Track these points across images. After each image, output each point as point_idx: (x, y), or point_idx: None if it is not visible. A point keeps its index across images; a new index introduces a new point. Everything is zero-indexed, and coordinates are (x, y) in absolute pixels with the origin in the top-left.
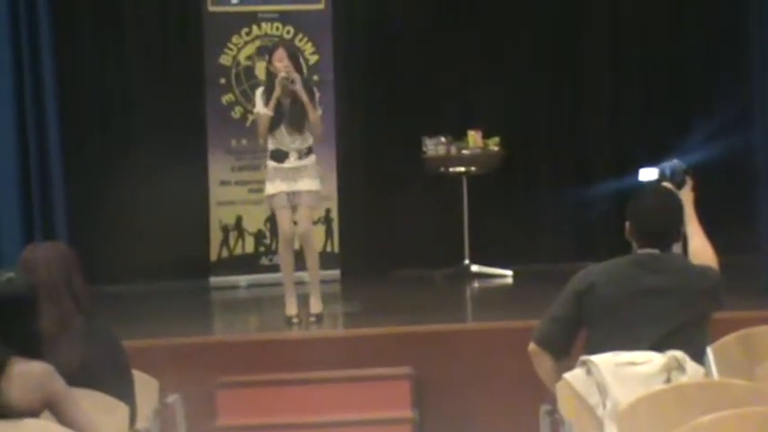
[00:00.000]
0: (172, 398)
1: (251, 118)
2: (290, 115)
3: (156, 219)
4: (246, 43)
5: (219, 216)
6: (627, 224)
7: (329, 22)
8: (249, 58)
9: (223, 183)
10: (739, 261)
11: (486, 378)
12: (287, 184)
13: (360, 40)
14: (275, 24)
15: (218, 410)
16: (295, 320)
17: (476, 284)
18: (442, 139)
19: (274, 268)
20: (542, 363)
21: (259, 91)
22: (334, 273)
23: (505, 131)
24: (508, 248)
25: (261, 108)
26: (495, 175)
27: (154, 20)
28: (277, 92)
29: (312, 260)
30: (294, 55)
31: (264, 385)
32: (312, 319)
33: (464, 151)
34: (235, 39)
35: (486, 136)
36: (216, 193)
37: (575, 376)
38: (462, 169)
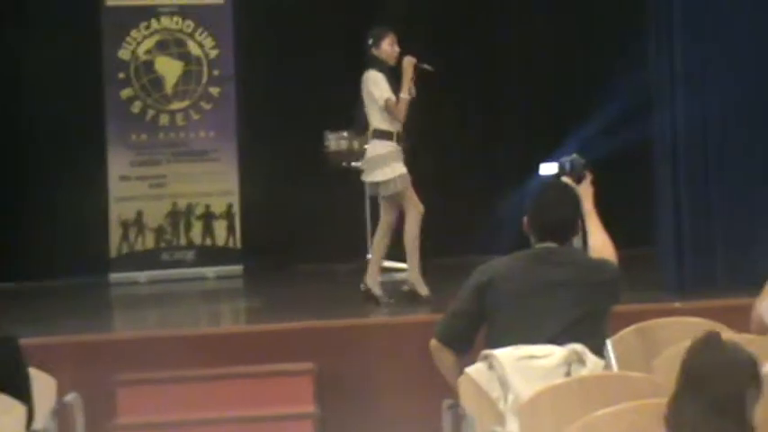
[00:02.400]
0: (70, 396)
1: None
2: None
3: (55, 215)
4: (145, 37)
5: (119, 212)
6: (525, 218)
7: (229, 16)
8: (148, 52)
9: (123, 178)
10: (639, 254)
11: (390, 373)
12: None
13: (261, 33)
14: (175, 18)
15: (118, 408)
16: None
17: (378, 279)
18: (344, 133)
19: (175, 264)
20: (444, 359)
21: (379, 76)
22: (237, 268)
23: (407, 124)
24: None
25: (390, 93)
26: None
27: (51, 14)
28: (412, 76)
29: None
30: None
31: (165, 382)
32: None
33: (366, 146)
34: (134, 33)
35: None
36: (115, 188)
37: (476, 370)
38: None
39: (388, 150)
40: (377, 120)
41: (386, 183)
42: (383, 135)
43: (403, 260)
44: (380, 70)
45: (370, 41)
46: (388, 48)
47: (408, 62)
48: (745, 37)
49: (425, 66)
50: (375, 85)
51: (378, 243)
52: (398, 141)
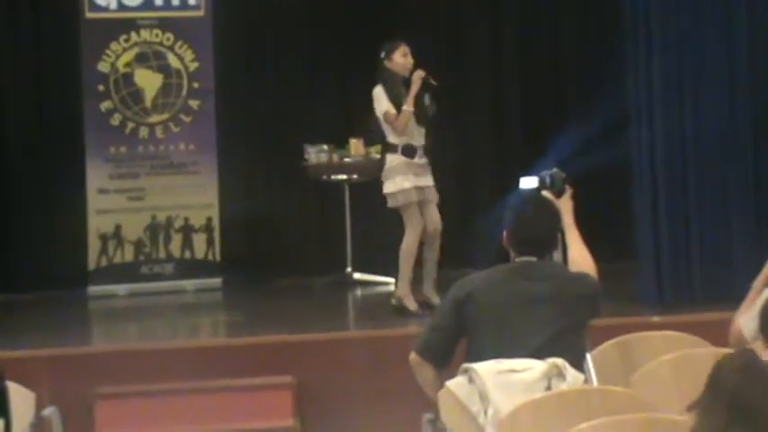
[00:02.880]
0: (48, 410)
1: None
2: (419, 111)
3: (33, 228)
4: (125, 50)
5: (98, 225)
6: (504, 233)
7: (209, 28)
8: (128, 64)
9: (101, 191)
10: (619, 268)
11: (369, 387)
12: (417, 180)
13: (240, 46)
14: (155, 31)
15: (97, 422)
16: (425, 312)
17: (358, 292)
18: (324, 146)
19: (154, 277)
20: (424, 372)
21: (380, 92)
22: (216, 281)
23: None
24: (390, 256)
25: (389, 106)
26: (377, 183)
27: (29, 27)
28: (418, 88)
29: (436, 253)
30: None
31: (144, 396)
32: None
33: (346, 159)
34: (113, 45)
35: (368, 144)
36: (94, 201)
37: (456, 384)
38: (344, 177)
39: (395, 164)
40: (387, 133)
41: (390, 195)
42: (389, 148)
43: (380, 273)
44: (385, 84)
45: (383, 54)
46: (400, 59)
47: (417, 75)
48: (723, 53)
49: (431, 80)
50: (377, 102)
51: (411, 255)
52: (406, 154)
